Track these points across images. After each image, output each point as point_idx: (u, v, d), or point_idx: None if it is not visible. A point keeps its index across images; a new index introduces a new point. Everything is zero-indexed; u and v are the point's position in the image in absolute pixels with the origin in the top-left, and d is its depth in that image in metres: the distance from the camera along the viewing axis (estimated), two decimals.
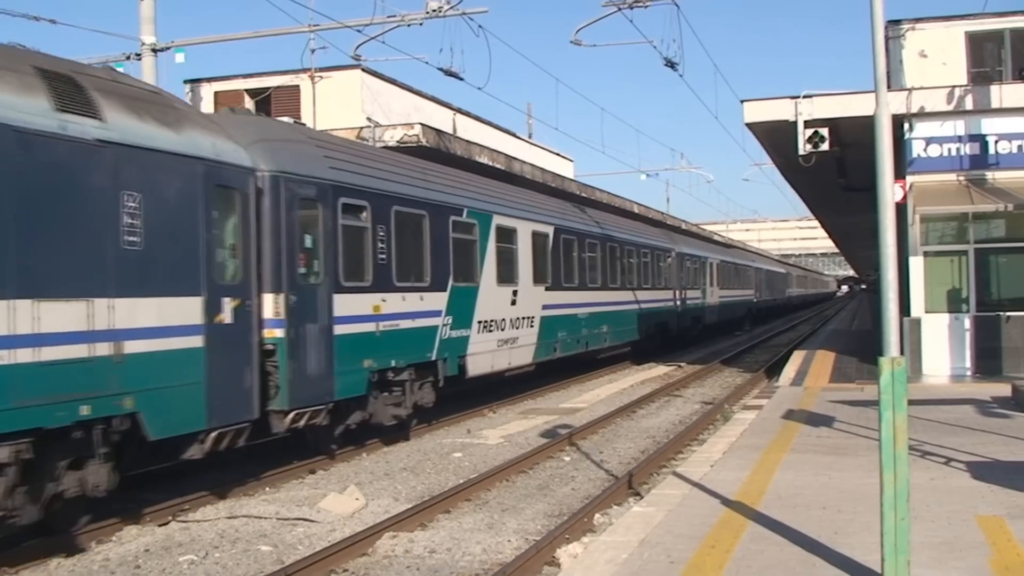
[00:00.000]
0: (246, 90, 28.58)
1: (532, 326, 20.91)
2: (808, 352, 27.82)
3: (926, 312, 19.73)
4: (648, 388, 23.33)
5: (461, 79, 20.82)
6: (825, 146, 19.57)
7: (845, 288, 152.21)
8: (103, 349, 9.32)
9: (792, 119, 19.82)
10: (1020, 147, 19.71)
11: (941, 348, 19.63)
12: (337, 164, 13.84)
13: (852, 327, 45.38)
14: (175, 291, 10.36)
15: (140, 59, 19.83)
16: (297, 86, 27.90)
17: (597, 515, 10.28)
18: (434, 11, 19.74)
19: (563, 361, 24.28)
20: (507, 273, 19.75)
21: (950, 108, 19.63)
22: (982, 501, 9.02)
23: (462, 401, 19.53)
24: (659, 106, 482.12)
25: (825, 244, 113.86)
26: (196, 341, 10.61)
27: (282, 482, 12.72)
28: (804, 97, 19.85)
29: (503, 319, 19.34)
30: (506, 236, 19.79)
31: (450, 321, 16.83)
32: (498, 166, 25.21)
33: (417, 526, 10.22)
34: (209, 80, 28.93)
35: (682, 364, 29.87)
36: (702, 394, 22.63)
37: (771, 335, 46.30)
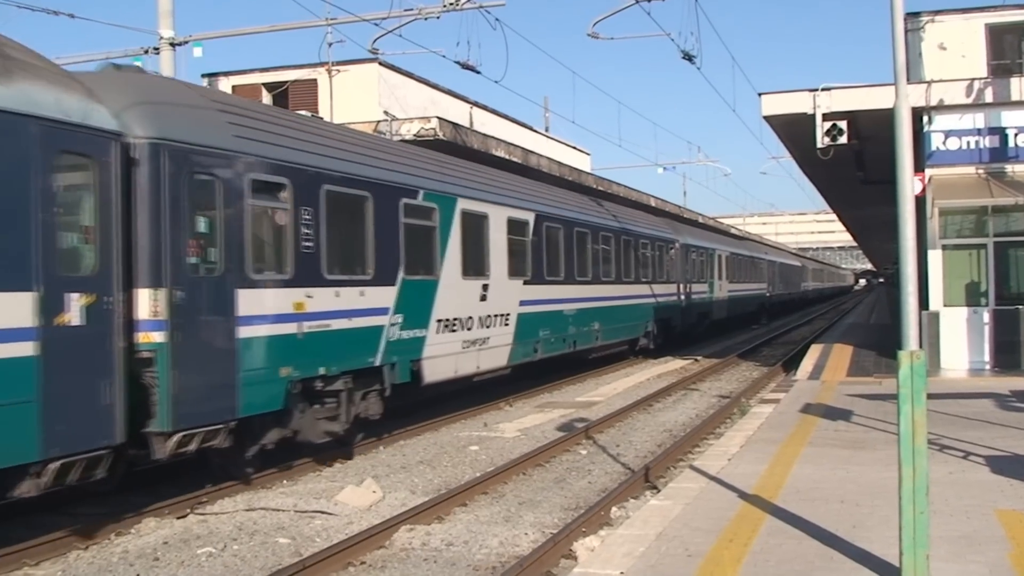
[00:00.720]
0: (264, 84, 28.74)
1: (507, 324, 18.70)
2: (825, 346, 27.70)
3: (944, 306, 19.66)
4: (665, 382, 23.30)
5: (478, 72, 20.82)
6: (843, 139, 19.47)
7: (863, 282, 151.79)
8: None
9: (810, 112, 19.75)
10: None
11: (960, 342, 19.56)
12: (245, 132, 11.53)
13: (870, 321, 45.18)
14: None
15: (158, 53, 19.93)
16: (314, 80, 28.03)
17: (614, 508, 10.29)
18: (451, 4, 19.73)
19: (577, 357, 23.87)
20: (475, 265, 17.49)
21: (969, 101, 19.55)
22: (1001, 495, 8.98)
23: (479, 395, 19.55)
24: (676, 99, 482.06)
25: (843, 238, 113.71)
26: (24, 348, 8.35)
27: (300, 475, 12.76)
28: (822, 90, 19.78)
29: (470, 317, 17.08)
30: (474, 223, 17.46)
31: (400, 320, 14.60)
32: (515, 160, 25.18)
33: (434, 519, 10.24)
34: (227, 74, 29.13)
35: (699, 358, 29.82)
36: (719, 388, 22.60)
37: (787, 329, 46.12)
